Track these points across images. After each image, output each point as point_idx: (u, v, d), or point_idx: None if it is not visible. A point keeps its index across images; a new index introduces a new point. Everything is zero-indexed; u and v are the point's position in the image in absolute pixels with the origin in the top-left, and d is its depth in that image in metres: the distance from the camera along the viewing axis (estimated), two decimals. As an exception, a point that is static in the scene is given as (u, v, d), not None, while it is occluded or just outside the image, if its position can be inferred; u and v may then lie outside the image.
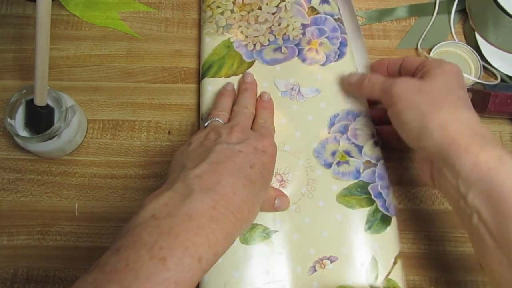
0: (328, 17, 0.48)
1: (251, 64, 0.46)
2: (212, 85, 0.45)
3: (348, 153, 0.43)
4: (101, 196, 0.44)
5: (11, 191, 0.44)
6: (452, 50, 0.51)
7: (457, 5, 0.53)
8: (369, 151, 0.43)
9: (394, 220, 0.41)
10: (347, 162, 0.42)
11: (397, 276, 0.39)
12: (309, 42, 0.46)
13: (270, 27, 0.47)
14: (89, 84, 0.48)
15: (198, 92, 0.47)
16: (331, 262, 0.39)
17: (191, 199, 0.30)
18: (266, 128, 0.40)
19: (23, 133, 0.42)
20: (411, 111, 0.36)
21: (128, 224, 0.30)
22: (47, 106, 0.42)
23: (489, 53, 0.50)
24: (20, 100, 0.42)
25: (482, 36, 0.50)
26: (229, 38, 0.47)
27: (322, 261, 0.39)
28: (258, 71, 0.46)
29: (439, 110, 0.34)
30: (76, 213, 0.43)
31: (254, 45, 0.47)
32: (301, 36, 0.47)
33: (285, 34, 0.47)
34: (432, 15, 0.53)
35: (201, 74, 0.47)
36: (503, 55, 0.50)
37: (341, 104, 0.44)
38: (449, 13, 0.53)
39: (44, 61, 0.39)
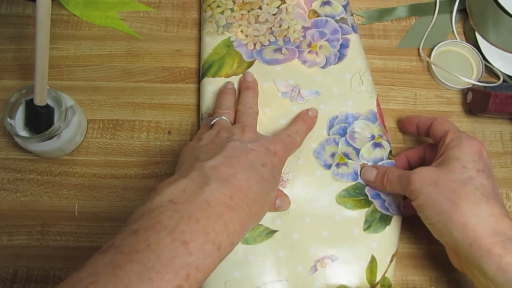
0: (329, 19, 0.48)
1: (251, 63, 0.46)
2: (212, 85, 0.45)
3: (346, 155, 0.43)
4: (101, 196, 0.44)
5: (11, 191, 0.44)
6: (453, 49, 0.51)
7: (458, 4, 0.52)
8: (366, 154, 0.43)
9: (395, 219, 0.41)
10: (346, 164, 0.43)
11: (391, 274, 0.40)
12: (309, 45, 0.47)
13: (270, 28, 0.47)
14: (89, 84, 0.48)
15: (198, 92, 0.47)
16: (332, 261, 0.40)
17: (209, 187, 0.30)
18: (281, 136, 0.40)
19: (23, 133, 0.42)
20: (431, 209, 0.35)
21: (143, 208, 0.29)
22: (47, 106, 0.42)
23: (490, 53, 0.50)
24: (20, 100, 0.42)
25: (483, 36, 0.50)
26: (229, 38, 0.47)
27: (323, 260, 0.40)
28: (258, 70, 0.46)
29: (457, 207, 0.34)
30: (76, 213, 0.43)
31: (255, 44, 0.47)
32: (302, 38, 0.47)
33: (285, 36, 0.47)
34: (433, 15, 0.53)
35: (201, 73, 0.47)
36: (503, 55, 0.50)
37: (340, 106, 0.44)
38: (451, 12, 0.53)
39: (44, 61, 0.39)
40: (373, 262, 0.40)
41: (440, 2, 0.53)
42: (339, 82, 0.45)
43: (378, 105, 0.45)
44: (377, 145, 0.44)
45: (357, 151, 0.43)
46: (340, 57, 0.46)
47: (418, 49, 0.51)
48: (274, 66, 0.46)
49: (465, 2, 0.53)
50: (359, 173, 0.42)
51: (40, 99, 0.41)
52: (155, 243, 0.26)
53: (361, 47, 0.48)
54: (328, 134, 0.44)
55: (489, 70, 0.50)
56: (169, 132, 0.46)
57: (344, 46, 0.47)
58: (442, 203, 0.35)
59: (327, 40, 0.47)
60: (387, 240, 0.41)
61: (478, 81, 0.48)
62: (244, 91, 0.44)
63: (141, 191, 0.44)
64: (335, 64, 0.46)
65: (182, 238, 0.27)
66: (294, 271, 0.39)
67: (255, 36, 0.47)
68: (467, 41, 0.52)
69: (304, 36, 0.47)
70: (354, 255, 0.40)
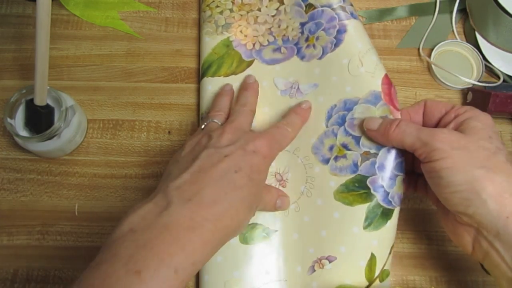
0: (325, 9, 0.44)
1: (250, 63, 0.46)
2: (211, 85, 0.45)
3: (345, 146, 0.40)
4: (101, 196, 0.44)
5: (11, 191, 0.44)
6: (453, 49, 0.51)
7: (458, 4, 0.52)
8: (367, 141, 0.39)
9: (396, 211, 0.39)
10: (344, 156, 0.40)
11: (388, 263, 0.39)
12: (307, 39, 0.45)
13: (269, 28, 0.47)
14: (89, 84, 0.48)
15: (198, 92, 0.47)
16: (330, 262, 0.39)
17: (168, 210, 0.30)
18: (268, 130, 0.39)
19: (23, 133, 0.42)
20: (460, 174, 0.32)
21: (108, 239, 0.30)
22: (47, 106, 0.42)
23: (490, 53, 0.50)
24: (20, 100, 0.42)
25: (483, 36, 0.50)
26: (228, 37, 0.47)
27: (320, 261, 0.39)
28: (257, 70, 0.45)
29: (494, 175, 0.31)
30: (76, 213, 0.43)
31: (254, 44, 0.47)
32: (300, 35, 0.45)
33: (284, 35, 0.46)
34: (434, 15, 0.53)
35: (200, 73, 0.47)
36: (503, 54, 0.50)
37: (338, 94, 0.42)
38: (451, 12, 0.53)
39: (44, 61, 0.39)
40: (372, 260, 0.38)
41: (440, 2, 0.53)
42: (336, 70, 0.42)
43: (386, 83, 0.41)
44: None
45: (357, 139, 0.40)
46: (337, 43, 0.43)
47: (418, 49, 0.51)
48: (273, 65, 0.45)
49: (465, 2, 0.53)
50: (359, 164, 0.39)
51: (40, 99, 0.41)
52: (109, 276, 0.27)
53: (363, 30, 0.44)
54: (327, 126, 0.41)
55: (489, 70, 0.50)
56: (169, 132, 0.46)
57: (341, 31, 0.43)
58: (474, 170, 0.31)
59: (323, 29, 0.44)
60: (387, 235, 0.39)
61: (478, 81, 0.48)
62: (242, 91, 0.43)
63: (141, 191, 0.44)
64: (331, 51, 0.43)
65: (135, 268, 0.27)
66: (293, 271, 0.39)
67: (254, 36, 0.47)
68: (467, 41, 0.52)
69: (302, 32, 0.45)
70: (353, 255, 0.38)
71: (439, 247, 0.43)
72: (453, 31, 0.52)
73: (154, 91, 0.48)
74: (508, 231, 0.30)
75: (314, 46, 0.44)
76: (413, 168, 0.40)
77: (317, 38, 0.44)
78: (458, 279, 0.42)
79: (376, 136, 0.38)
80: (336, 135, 0.41)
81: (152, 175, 0.45)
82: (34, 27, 0.38)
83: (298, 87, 0.44)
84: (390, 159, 0.38)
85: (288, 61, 0.45)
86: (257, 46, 0.46)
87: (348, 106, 0.41)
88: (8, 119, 0.41)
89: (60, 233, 0.42)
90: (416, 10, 0.53)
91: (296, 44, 0.46)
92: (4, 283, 0.40)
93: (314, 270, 0.38)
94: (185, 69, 0.49)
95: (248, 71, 0.46)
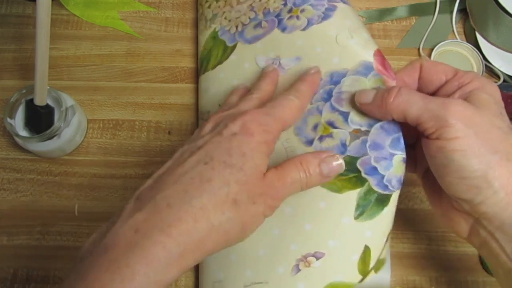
0: None
1: (234, 47, 0.42)
2: (204, 82, 0.44)
3: (331, 124, 0.35)
4: (101, 196, 0.44)
5: (11, 191, 0.44)
6: (454, 49, 0.51)
7: (458, 4, 0.52)
8: (357, 117, 0.34)
9: (394, 196, 0.33)
10: (330, 136, 0.35)
11: (386, 252, 0.35)
12: (290, 11, 0.40)
13: (251, 4, 0.43)
14: (89, 84, 0.48)
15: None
16: (317, 259, 0.33)
17: (113, 229, 0.25)
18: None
19: (23, 133, 0.42)
20: (476, 158, 0.27)
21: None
22: (47, 106, 0.42)
23: (490, 52, 0.50)
24: (20, 100, 0.42)
25: (483, 36, 0.50)
26: (214, 29, 0.45)
27: (306, 258, 0.34)
28: (240, 52, 0.42)
29: (508, 163, 0.27)
30: (76, 213, 0.43)
31: (236, 26, 0.43)
32: (282, 6, 0.40)
33: (265, 8, 0.41)
34: (434, 15, 0.53)
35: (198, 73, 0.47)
36: (503, 54, 0.50)
37: (324, 67, 0.37)
38: (451, 12, 0.53)
39: (44, 61, 0.39)
40: (366, 252, 0.33)
41: (440, 2, 0.53)
42: (322, 41, 0.37)
43: (378, 55, 0.36)
44: None
45: (345, 116, 0.34)
46: (325, 17, 0.38)
47: (418, 49, 0.51)
48: (255, 44, 0.41)
49: (465, 2, 0.53)
50: (347, 143, 0.34)
51: (40, 99, 0.41)
52: None
53: (355, 13, 0.40)
54: (311, 103, 0.36)
55: (489, 70, 0.50)
56: (169, 132, 0.46)
57: (330, 9, 0.38)
58: (489, 155, 0.27)
59: (310, 4, 0.39)
60: (384, 222, 0.33)
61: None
62: (258, 80, 0.37)
63: (141, 191, 0.44)
64: (318, 24, 0.37)
65: None
66: (275, 273, 0.34)
67: (236, 18, 0.43)
68: (467, 41, 0.52)
69: (285, 4, 0.40)
70: (344, 250, 0.33)
71: (439, 247, 0.43)
72: (453, 31, 0.52)
73: (154, 91, 0.48)
74: None
75: (297, 17, 0.39)
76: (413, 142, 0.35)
77: (302, 11, 0.39)
78: (458, 279, 0.42)
79: (372, 109, 0.32)
80: (321, 112, 0.36)
81: (152, 175, 0.45)
82: (34, 27, 0.38)
83: (279, 62, 0.39)
84: (384, 136, 0.33)
85: (268, 36, 0.40)
86: (240, 27, 0.42)
87: (335, 79, 0.36)
88: (8, 119, 0.41)
89: (60, 233, 0.42)
90: (416, 10, 0.53)
91: (277, 16, 0.40)
92: (4, 283, 0.40)
93: (299, 270, 0.33)
94: (185, 69, 0.49)
95: (232, 57, 0.42)
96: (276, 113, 0.30)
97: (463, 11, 0.53)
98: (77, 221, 0.43)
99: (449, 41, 0.51)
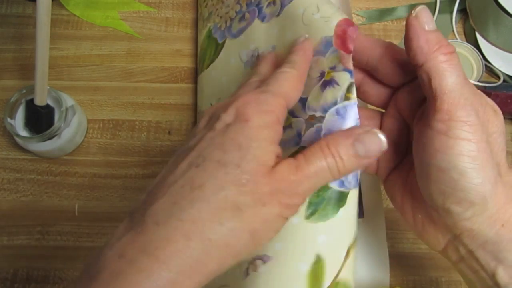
0: None
1: (223, 44, 0.41)
2: (200, 81, 0.44)
3: (292, 113, 0.31)
4: (101, 196, 0.44)
5: (11, 191, 0.44)
6: (452, 50, 0.51)
7: (458, 4, 0.52)
8: (314, 101, 0.29)
9: (352, 195, 0.28)
10: (290, 126, 0.31)
11: (349, 272, 0.28)
12: None
13: None
14: (89, 84, 0.48)
15: (198, 92, 0.47)
16: (264, 262, 0.29)
17: (102, 254, 0.22)
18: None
19: (23, 133, 0.42)
20: (483, 169, 0.24)
21: None
22: (47, 106, 0.42)
23: (490, 53, 0.50)
24: (20, 100, 0.42)
25: (483, 36, 0.50)
26: (209, 27, 0.44)
27: (254, 261, 0.29)
28: (228, 49, 0.40)
29: (503, 181, 0.25)
30: (76, 213, 0.43)
31: (226, 22, 0.41)
32: None
33: None
34: (434, 15, 0.53)
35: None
36: (503, 54, 0.50)
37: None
38: (451, 12, 0.53)
39: (44, 61, 0.39)
40: (318, 264, 0.27)
41: (440, 2, 0.53)
42: (290, 24, 0.33)
43: (343, 24, 0.29)
44: (327, 84, 0.28)
45: (304, 102, 0.29)
46: None
47: (418, 49, 0.51)
48: (240, 37, 0.38)
49: (465, 2, 0.53)
50: (302, 132, 0.29)
51: (40, 99, 0.41)
52: None
53: None
54: None
55: (489, 70, 0.50)
56: (169, 132, 0.46)
57: None
58: (493, 168, 0.24)
59: None
60: (340, 228, 0.28)
61: (478, 81, 0.48)
62: (254, 66, 0.33)
63: (141, 191, 0.44)
64: (289, 3, 0.33)
65: None
66: (233, 275, 0.30)
67: (226, 13, 0.42)
68: (467, 41, 0.52)
69: None
70: (291, 255, 0.28)
71: (439, 247, 0.43)
72: (453, 31, 0.52)
73: (154, 91, 0.48)
74: (498, 239, 0.25)
75: (274, 2, 0.35)
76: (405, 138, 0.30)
77: None
78: (458, 279, 0.42)
79: (415, 44, 0.26)
80: None
81: (152, 175, 0.45)
82: (34, 27, 0.38)
83: (258, 54, 0.36)
84: (340, 123, 0.27)
85: (250, 27, 0.37)
86: (228, 23, 0.41)
87: None
88: (8, 119, 0.41)
89: (60, 233, 0.42)
90: (416, 10, 0.53)
91: (257, 5, 0.37)
92: (4, 283, 0.40)
93: (248, 274, 0.29)
94: (185, 69, 0.49)
95: (221, 54, 0.41)
96: (274, 89, 0.25)
97: (463, 11, 0.53)
98: (77, 221, 0.43)
99: (449, 41, 0.51)
